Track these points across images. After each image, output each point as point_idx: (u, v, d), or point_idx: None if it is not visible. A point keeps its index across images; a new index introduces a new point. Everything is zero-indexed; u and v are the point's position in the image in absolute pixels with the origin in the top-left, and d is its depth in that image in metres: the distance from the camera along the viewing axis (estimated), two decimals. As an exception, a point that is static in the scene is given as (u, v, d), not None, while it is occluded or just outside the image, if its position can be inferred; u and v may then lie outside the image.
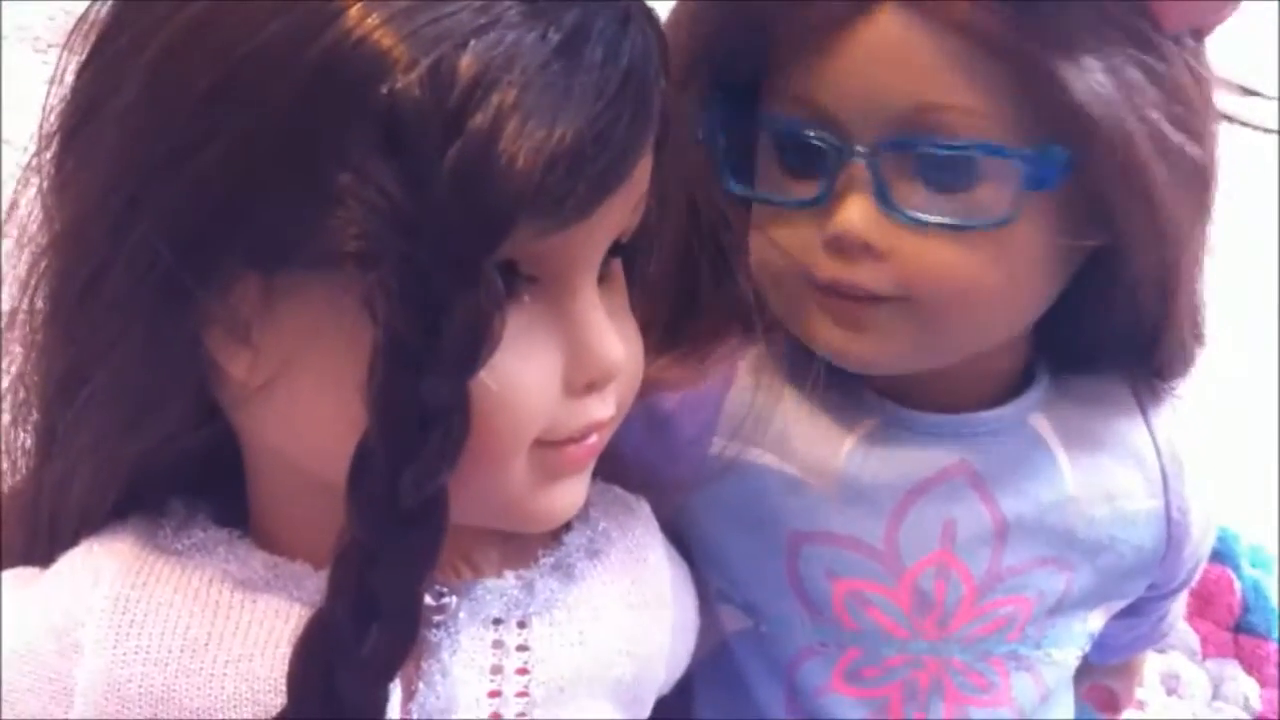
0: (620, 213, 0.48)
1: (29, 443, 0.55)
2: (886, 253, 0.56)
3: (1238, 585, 1.02)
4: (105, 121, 0.46)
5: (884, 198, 0.56)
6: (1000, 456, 0.64)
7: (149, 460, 0.51)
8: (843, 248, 0.57)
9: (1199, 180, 0.58)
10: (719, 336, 0.65)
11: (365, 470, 0.43)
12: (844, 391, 0.63)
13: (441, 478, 0.43)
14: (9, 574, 0.54)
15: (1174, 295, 0.61)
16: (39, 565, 0.54)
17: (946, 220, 0.56)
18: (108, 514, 0.53)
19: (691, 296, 0.64)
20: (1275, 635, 1.01)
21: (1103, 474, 0.66)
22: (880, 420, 0.64)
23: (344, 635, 0.44)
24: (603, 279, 0.50)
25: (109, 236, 0.46)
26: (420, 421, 0.42)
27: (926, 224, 0.56)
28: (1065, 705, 0.71)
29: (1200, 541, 0.70)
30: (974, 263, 0.57)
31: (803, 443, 0.64)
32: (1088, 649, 0.69)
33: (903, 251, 0.56)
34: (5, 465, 0.56)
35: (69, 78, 0.49)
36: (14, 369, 0.54)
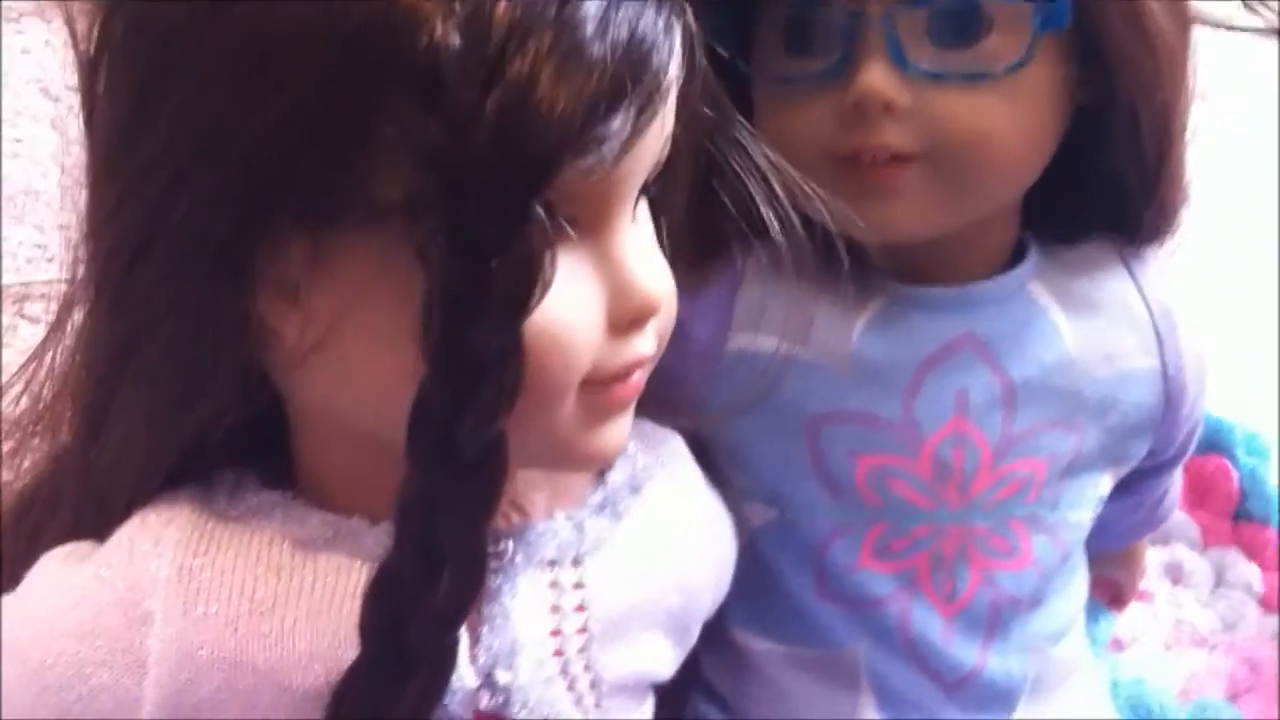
0: (653, 149, 0.49)
1: (75, 420, 0.55)
2: (908, 111, 0.59)
3: (1235, 474, 1.04)
4: (150, 97, 0.46)
5: (900, 57, 0.59)
6: (1003, 324, 0.67)
7: (201, 431, 0.51)
8: (864, 112, 0.60)
9: (1183, 14, 0.62)
10: (721, 242, 0.68)
11: (424, 420, 0.43)
12: (849, 276, 0.65)
13: (499, 422, 0.43)
14: (63, 550, 0.54)
15: (1170, 138, 0.64)
16: (91, 539, 0.53)
17: (965, 70, 0.59)
18: (159, 486, 0.53)
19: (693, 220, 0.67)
20: (1274, 521, 1.04)
21: (1100, 336, 0.69)
22: (886, 300, 0.67)
23: (413, 584, 0.44)
24: (632, 219, 0.51)
25: (157, 208, 0.46)
26: (476, 368, 0.42)
27: (945, 77, 0.59)
28: (1081, 565, 0.74)
29: (1195, 401, 0.73)
30: (992, 111, 0.60)
31: (815, 329, 0.66)
32: (1099, 510, 0.72)
33: (924, 108, 0.59)
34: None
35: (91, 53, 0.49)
36: (52, 350, 0.54)
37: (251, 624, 0.50)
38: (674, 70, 0.48)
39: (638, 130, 0.45)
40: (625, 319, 0.49)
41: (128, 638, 0.51)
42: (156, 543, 0.51)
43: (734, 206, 0.59)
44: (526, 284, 0.43)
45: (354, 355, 0.47)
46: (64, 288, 0.54)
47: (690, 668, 0.73)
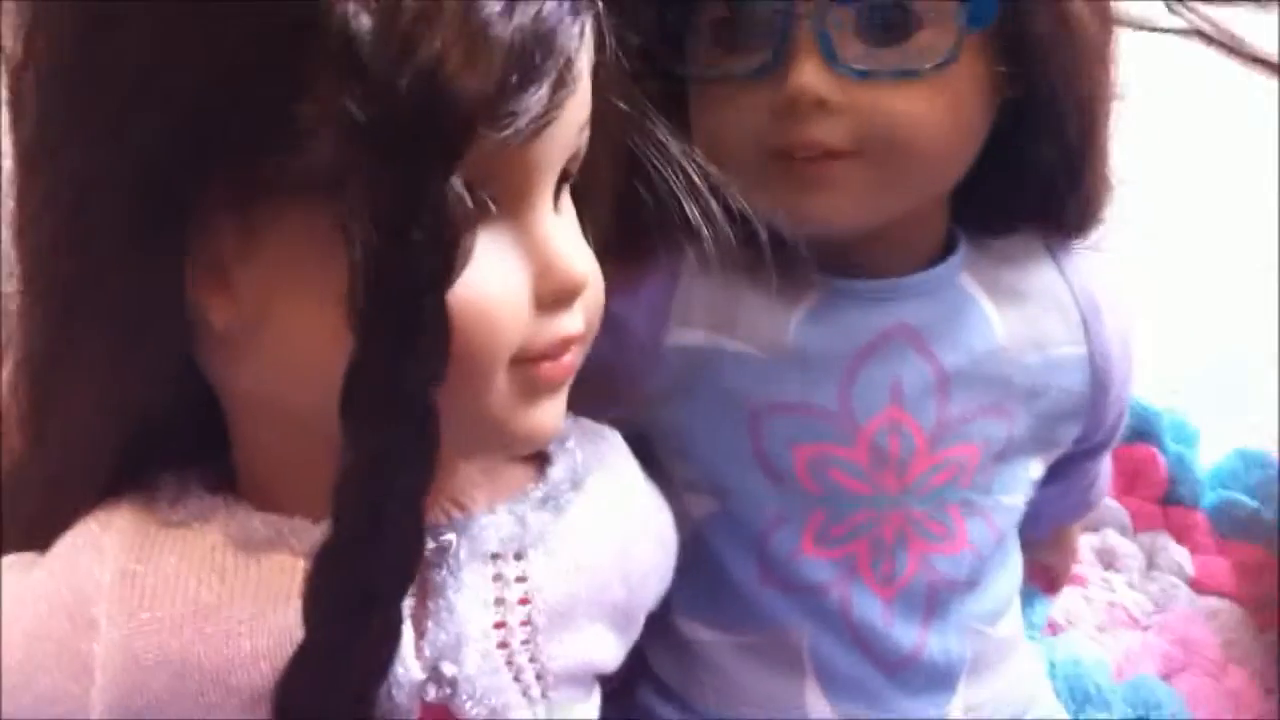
0: (569, 134, 0.51)
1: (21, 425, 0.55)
2: (840, 108, 0.61)
3: (1162, 460, 1.07)
4: (75, 81, 0.47)
5: (831, 55, 0.60)
6: (935, 314, 0.69)
7: (140, 434, 0.52)
8: (797, 108, 0.61)
9: (1106, 11, 0.65)
10: (659, 238, 0.69)
11: (355, 394, 0.44)
12: (785, 271, 0.66)
13: (431, 390, 0.44)
14: (9, 559, 0.54)
15: (1093, 130, 0.67)
16: (38, 550, 0.54)
17: (894, 67, 0.61)
18: (101, 492, 0.53)
19: (626, 215, 0.68)
20: (1202, 504, 1.07)
21: (1029, 324, 0.71)
22: (822, 293, 0.68)
23: (353, 561, 0.45)
24: (556, 210, 0.52)
25: (83, 193, 0.47)
26: (403, 339, 0.43)
27: (875, 74, 0.61)
28: (1015, 547, 0.76)
29: (1123, 385, 0.75)
30: (922, 107, 0.62)
31: (753, 323, 0.68)
32: (1031, 495, 0.74)
33: (855, 105, 0.61)
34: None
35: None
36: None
37: (196, 626, 0.50)
38: (585, 56, 0.49)
39: (552, 108, 0.46)
40: (550, 296, 0.50)
41: (74, 644, 0.51)
42: (99, 549, 0.51)
43: (663, 203, 0.60)
44: (447, 255, 0.44)
45: (285, 337, 0.48)
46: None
47: (638, 660, 0.74)
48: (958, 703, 0.71)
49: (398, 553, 0.46)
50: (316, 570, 0.45)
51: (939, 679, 0.70)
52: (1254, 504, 1.06)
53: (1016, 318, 0.70)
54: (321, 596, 0.46)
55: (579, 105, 0.50)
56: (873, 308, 0.68)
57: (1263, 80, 1.48)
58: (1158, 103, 1.28)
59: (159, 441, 0.53)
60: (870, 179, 0.63)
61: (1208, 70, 1.47)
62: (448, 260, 0.44)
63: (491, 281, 0.48)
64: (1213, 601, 1.02)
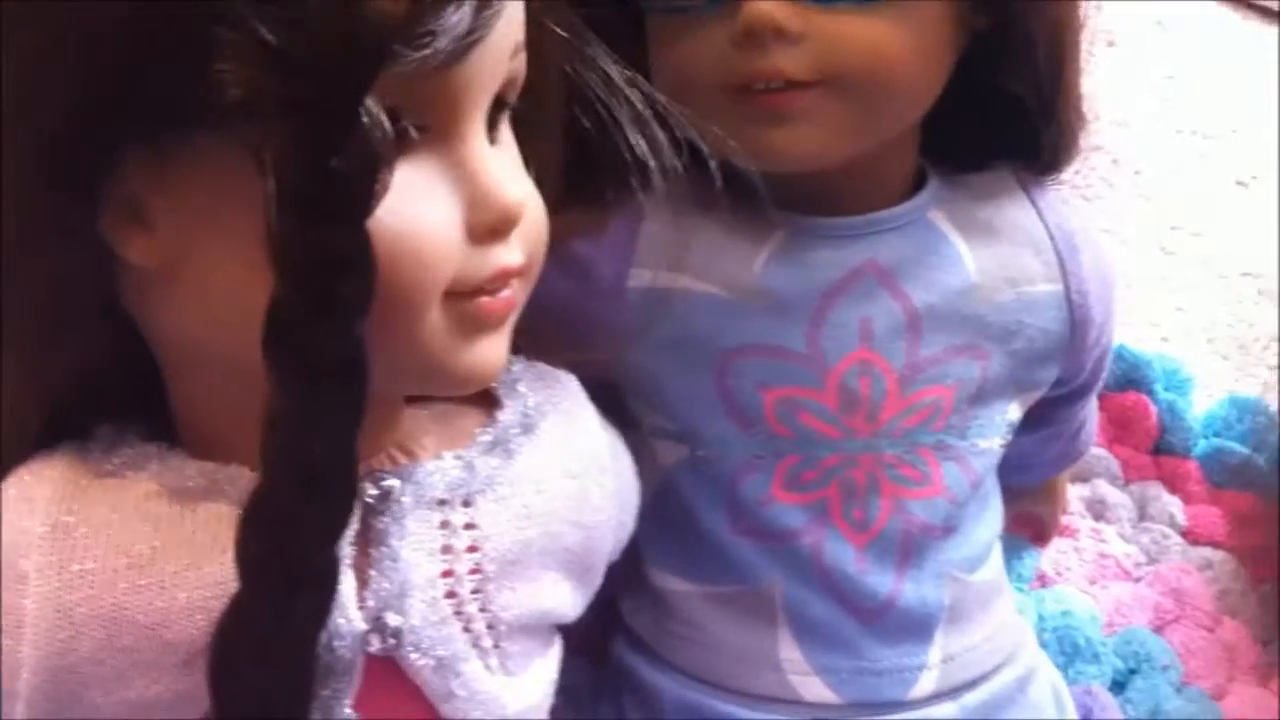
0: (500, 58, 0.49)
1: None
2: (800, 36, 0.60)
3: (1153, 409, 1.05)
4: None
5: None
6: (905, 251, 0.67)
7: (72, 383, 0.51)
8: (756, 38, 0.60)
9: None
10: (618, 182, 0.67)
11: (279, 328, 0.43)
12: (750, 210, 0.65)
13: (356, 327, 0.43)
14: None
15: (1063, 58, 0.65)
16: None
17: None
18: (35, 445, 0.52)
19: (583, 153, 0.66)
20: (1194, 452, 1.05)
21: (1002, 261, 0.69)
22: (788, 232, 0.66)
23: (286, 504, 0.44)
24: (494, 140, 0.51)
25: None
26: (326, 271, 0.42)
27: (835, 1, 0.59)
28: (994, 492, 0.74)
29: (1103, 326, 0.73)
30: (885, 35, 0.60)
31: (718, 263, 0.66)
32: (1010, 439, 0.72)
33: (815, 33, 0.60)
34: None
35: None
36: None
37: (130, 578, 0.49)
38: None
39: (476, 28, 0.45)
40: (484, 227, 0.49)
41: (7, 599, 0.49)
42: (29, 500, 0.50)
43: (610, 136, 0.59)
44: (367, 179, 0.42)
45: (207, 276, 0.47)
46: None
47: (611, 613, 0.73)
48: (936, 652, 0.69)
49: (331, 498, 0.44)
50: (248, 518, 0.44)
51: (916, 627, 0.69)
52: (1247, 452, 1.04)
53: (989, 255, 0.69)
54: (254, 545, 0.44)
55: (509, 27, 0.49)
56: (841, 246, 0.67)
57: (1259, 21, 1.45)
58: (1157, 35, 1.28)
59: (98, 394, 0.52)
60: (835, 111, 0.61)
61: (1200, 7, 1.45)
62: (368, 188, 0.42)
63: (418, 211, 0.46)
64: (1205, 552, 1.00)
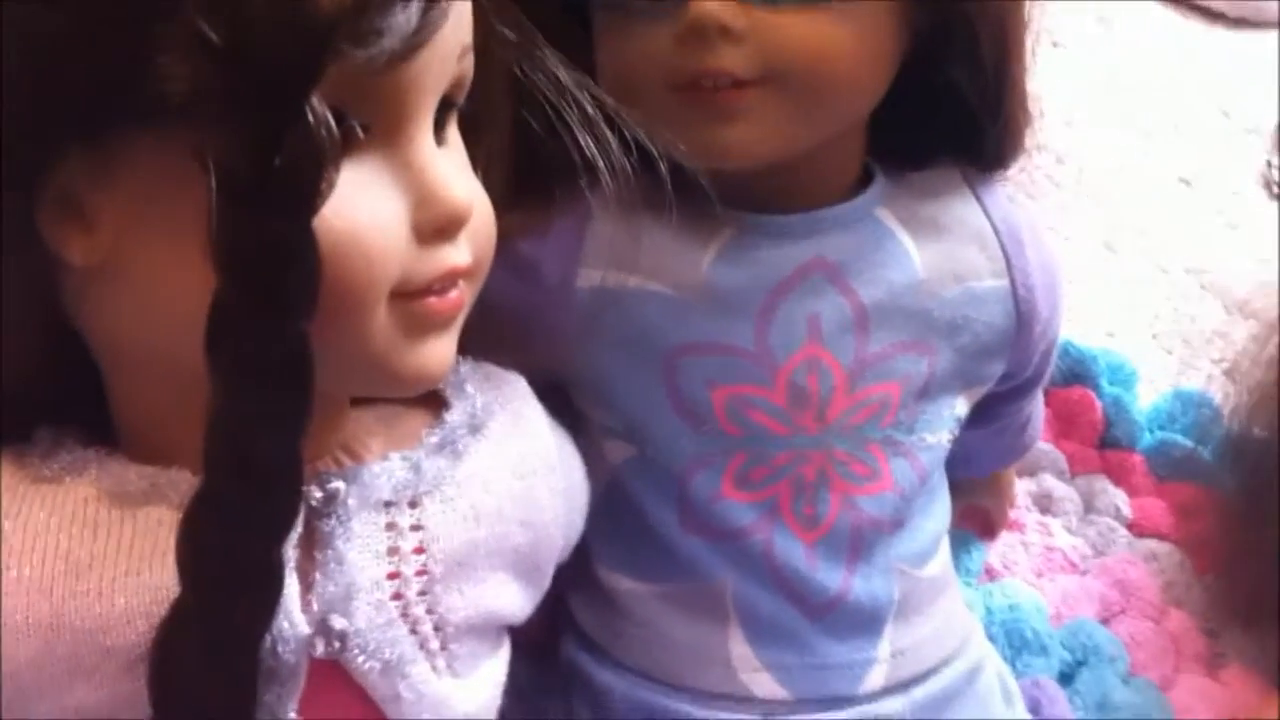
0: (447, 58, 0.49)
1: None
2: (744, 34, 0.60)
3: (1099, 403, 1.06)
4: None
5: None
6: (852, 248, 0.67)
7: (15, 390, 0.50)
8: (701, 36, 0.60)
9: None
10: (566, 182, 0.67)
11: (222, 326, 0.42)
12: (697, 209, 0.65)
13: (301, 326, 0.43)
14: None
15: (1008, 55, 0.66)
16: None
17: None
18: None
19: (531, 153, 0.66)
20: (1139, 446, 1.06)
21: (948, 256, 0.69)
22: (736, 230, 0.66)
23: (227, 506, 0.43)
24: (441, 141, 0.51)
25: None
26: (270, 268, 0.42)
27: (780, 0, 0.59)
28: (942, 486, 0.74)
29: (1049, 320, 0.74)
30: (828, 33, 0.61)
31: (665, 262, 0.66)
32: (957, 434, 0.73)
33: (760, 31, 0.60)
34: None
35: None
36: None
37: (68, 585, 0.48)
38: None
39: (423, 28, 0.45)
40: (430, 226, 0.49)
41: None
42: None
43: (558, 137, 0.59)
44: (311, 181, 0.42)
45: (148, 277, 0.46)
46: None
47: (560, 613, 0.73)
48: (885, 646, 0.69)
49: (275, 500, 0.44)
50: (190, 520, 0.44)
51: (865, 622, 0.69)
52: (1191, 445, 1.05)
53: (935, 251, 0.69)
54: (195, 549, 0.44)
55: (457, 28, 0.49)
56: (788, 243, 0.67)
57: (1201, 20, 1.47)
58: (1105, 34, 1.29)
59: (36, 397, 0.51)
60: (780, 108, 0.62)
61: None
62: (313, 186, 0.42)
63: (363, 210, 0.46)
64: (1151, 544, 1.01)
